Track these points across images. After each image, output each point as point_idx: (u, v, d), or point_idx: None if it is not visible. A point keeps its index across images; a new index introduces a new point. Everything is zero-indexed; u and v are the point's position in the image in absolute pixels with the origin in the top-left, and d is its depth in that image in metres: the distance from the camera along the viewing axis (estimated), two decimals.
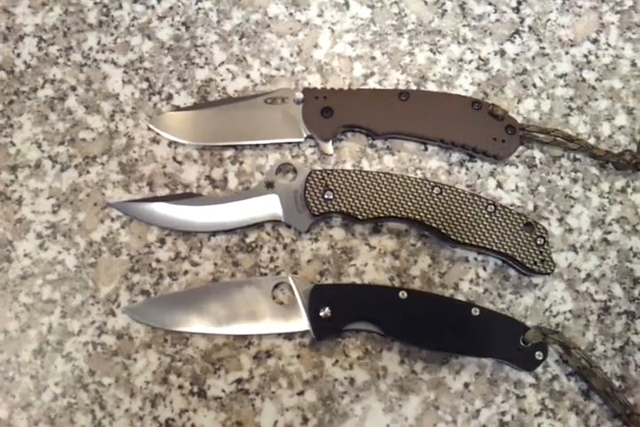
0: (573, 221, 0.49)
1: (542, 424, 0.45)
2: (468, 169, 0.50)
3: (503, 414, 0.45)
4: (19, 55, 0.52)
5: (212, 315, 0.45)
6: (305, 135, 0.49)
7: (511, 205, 0.49)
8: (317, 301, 0.44)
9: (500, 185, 0.50)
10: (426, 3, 0.54)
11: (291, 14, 0.53)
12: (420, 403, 0.45)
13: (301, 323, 0.44)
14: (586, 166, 0.50)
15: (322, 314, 0.43)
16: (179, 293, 0.46)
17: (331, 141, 0.49)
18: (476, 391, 0.45)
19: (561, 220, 0.49)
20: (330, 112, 0.49)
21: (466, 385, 0.45)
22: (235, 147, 0.50)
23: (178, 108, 0.51)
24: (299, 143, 0.50)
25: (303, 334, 0.45)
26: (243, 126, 0.49)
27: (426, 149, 0.50)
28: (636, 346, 0.47)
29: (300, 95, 0.49)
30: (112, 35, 0.52)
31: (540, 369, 0.45)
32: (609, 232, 0.49)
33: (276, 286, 0.46)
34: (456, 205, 0.46)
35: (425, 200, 0.46)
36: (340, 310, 0.43)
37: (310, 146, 0.50)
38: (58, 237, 0.48)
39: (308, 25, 0.53)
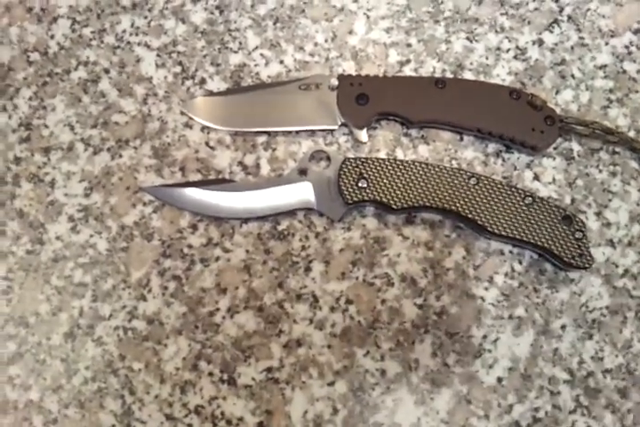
0: (611, 216, 0.48)
1: (577, 422, 0.44)
2: (504, 160, 0.49)
3: (536, 410, 0.44)
4: (52, 37, 0.51)
5: None
6: (339, 123, 0.48)
7: (548, 198, 0.48)
8: None
9: (537, 177, 0.48)
10: None
11: None
12: (451, 397, 0.44)
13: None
14: (625, 160, 0.49)
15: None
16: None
17: (365, 129, 0.48)
18: (509, 386, 0.44)
19: (599, 214, 0.48)
20: (365, 99, 0.48)
21: (499, 380, 0.44)
22: (268, 133, 0.49)
23: (211, 93, 0.50)
24: (332, 131, 0.49)
25: (334, 324, 0.45)
26: (276, 112, 0.49)
27: (461, 139, 0.49)
28: None
29: (335, 82, 0.48)
30: (146, 17, 0.52)
31: (574, 365, 0.44)
32: None
33: None
34: (493, 196, 0.45)
35: (461, 191, 0.45)
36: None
37: (344, 133, 0.49)
38: (90, 220, 0.47)
39: (343, 10, 0.52)
